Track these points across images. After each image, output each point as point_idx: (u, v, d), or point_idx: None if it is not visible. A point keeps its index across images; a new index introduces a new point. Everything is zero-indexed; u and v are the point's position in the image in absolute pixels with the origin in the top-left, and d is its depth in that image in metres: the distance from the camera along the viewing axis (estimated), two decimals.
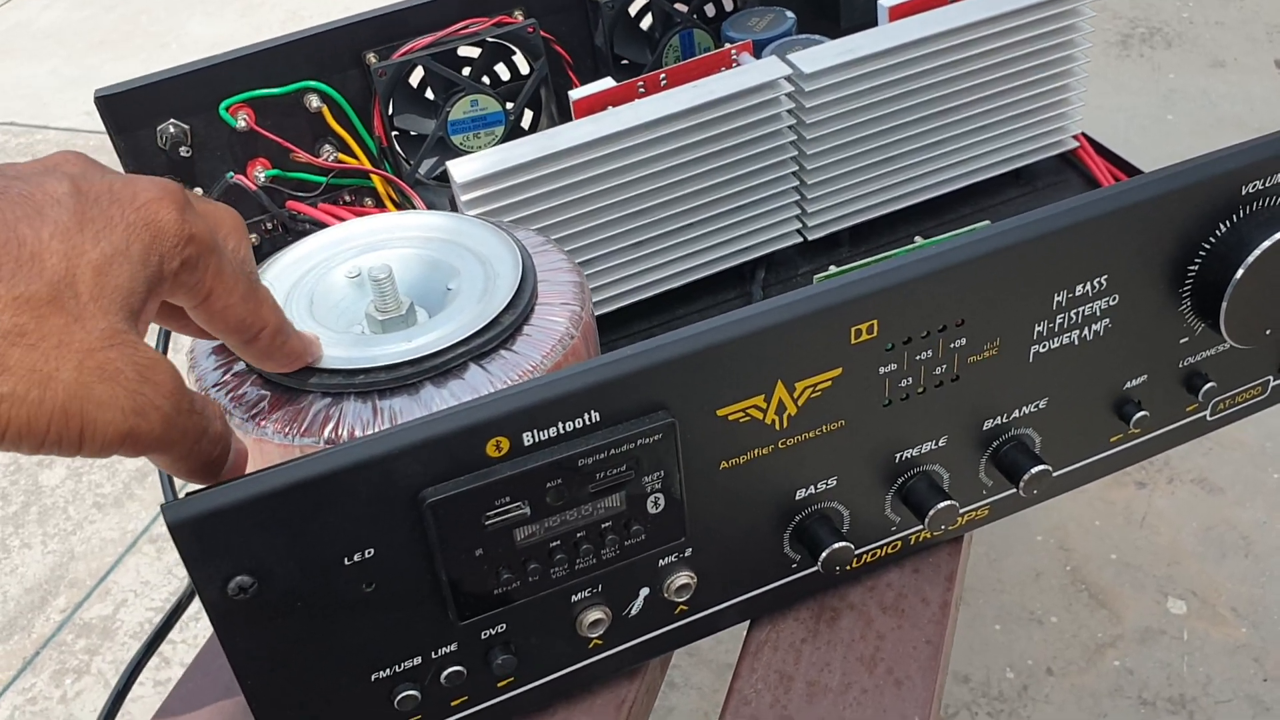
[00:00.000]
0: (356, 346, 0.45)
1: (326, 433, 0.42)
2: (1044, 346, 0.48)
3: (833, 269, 0.63)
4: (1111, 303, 0.48)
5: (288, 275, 0.49)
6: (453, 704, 0.45)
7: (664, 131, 0.58)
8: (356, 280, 0.49)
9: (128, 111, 0.61)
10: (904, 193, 0.67)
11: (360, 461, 0.37)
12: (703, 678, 1.22)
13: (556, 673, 0.46)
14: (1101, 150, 0.70)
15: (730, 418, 0.43)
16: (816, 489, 0.47)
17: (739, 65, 0.63)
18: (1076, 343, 0.49)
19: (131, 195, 0.34)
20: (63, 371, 0.31)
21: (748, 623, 0.52)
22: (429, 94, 0.68)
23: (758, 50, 0.67)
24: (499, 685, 0.45)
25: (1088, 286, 0.47)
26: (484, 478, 0.39)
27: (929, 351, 0.45)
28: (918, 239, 0.66)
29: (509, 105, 0.68)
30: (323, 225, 0.62)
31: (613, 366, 0.39)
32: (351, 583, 0.39)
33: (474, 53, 0.68)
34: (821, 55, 0.61)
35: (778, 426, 0.44)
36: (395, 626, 0.41)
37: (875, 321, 0.43)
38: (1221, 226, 0.48)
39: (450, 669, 0.43)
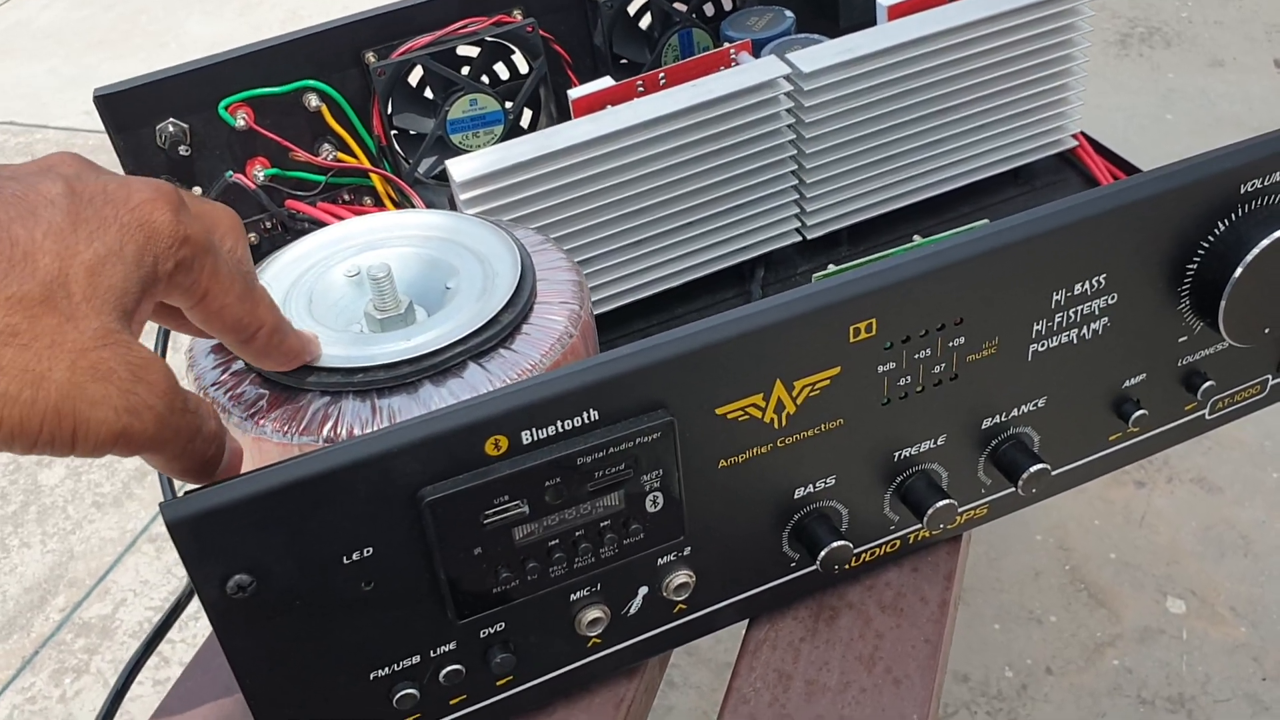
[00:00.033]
0: (355, 345, 0.45)
1: (325, 431, 0.42)
2: (1043, 345, 0.48)
3: (831, 268, 0.63)
4: (1110, 301, 0.48)
5: (286, 274, 0.49)
6: (451, 703, 0.45)
7: (663, 131, 0.58)
8: (355, 279, 0.49)
9: (127, 110, 0.61)
10: (903, 192, 0.67)
11: (359, 460, 0.37)
12: (702, 677, 1.22)
13: (555, 671, 0.46)
14: (1101, 149, 0.70)
15: (729, 416, 0.43)
16: (815, 488, 0.47)
17: (738, 64, 0.63)
18: (1075, 341, 0.49)
19: (126, 196, 0.34)
20: (55, 371, 0.31)
21: (746, 622, 0.52)
22: (428, 93, 0.68)
23: (757, 49, 0.67)
24: (498, 684, 0.45)
25: (1086, 285, 0.47)
26: (482, 476, 0.39)
27: (927, 350, 0.45)
28: (916, 238, 0.66)
29: (508, 104, 0.68)
30: (322, 224, 0.62)
31: (611, 365, 0.39)
32: (350, 581, 0.39)
33: (473, 52, 0.68)
34: (820, 54, 0.61)
35: (776, 425, 0.44)
36: (394, 625, 0.41)
37: (874, 320, 0.43)
38: (1220, 225, 0.48)
39: (449, 668, 0.43)
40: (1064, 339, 0.48)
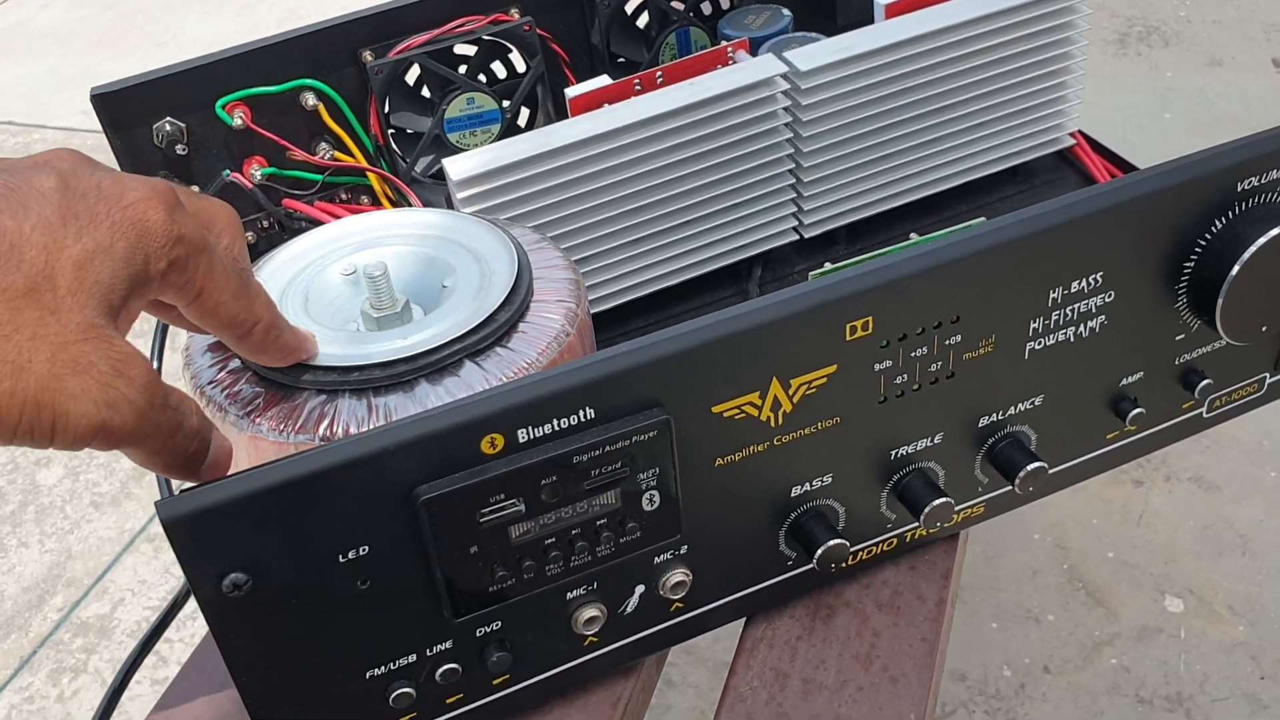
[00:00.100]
0: (351, 344, 0.45)
1: (321, 430, 0.42)
2: (1039, 343, 0.48)
3: (828, 266, 0.63)
4: (1107, 299, 0.48)
5: (283, 273, 0.49)
6: (448, 701, 0.45)
7: (660, 129, 0.58)
8: (352, 278, 0.49)
9: (124, 110, 0.61)
10: (900, 190, 0.67)
11: (355, 458, 0.37)
12: (700, 675, 1.22)
13: (552, 670, 0.46)
14: (1098, 148, 0.70)
15: (725, 415, 0.43)
16: (812, 486, 0.47)
17: (735, 63, 0.63)
18: (1072, 339, 0.49)
19: (120, 194, 0.35)
20: (36, 363, 0.32)
21: (743, 620, 0.52)
22: (425, 92, 0.68)
23: (754, 48, 0.67)
24: (494, 683, 0.45)
25: (1083, 283, 0.47)
26: (479, 475, 0.39)
27: (924, 348, 0.45)
28: (914, 236, 0.66)
29: (505, 103, 0.68)
30: (319, 223, 0.62)
31: (608, 363, 0.39)
32: (346, 580, 0.39)
33: (470, 51, 0.68)
34: (818, 53, 0.61)
35: (773, 423, 0.44)
36: (390, 624, 0.41)
37: (870, 318, 0.43)
38: (1217, 223, 0.48)
39: (445, 666, 0.43)
40: (1061, 337, 0.48)
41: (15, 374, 0.31)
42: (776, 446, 0.45)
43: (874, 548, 0.51)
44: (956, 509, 0.52)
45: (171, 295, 0.37)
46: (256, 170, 0.64)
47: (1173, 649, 1.18)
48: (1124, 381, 0.52)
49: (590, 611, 0.45)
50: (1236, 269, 0.47)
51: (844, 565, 0.51)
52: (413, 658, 0.43)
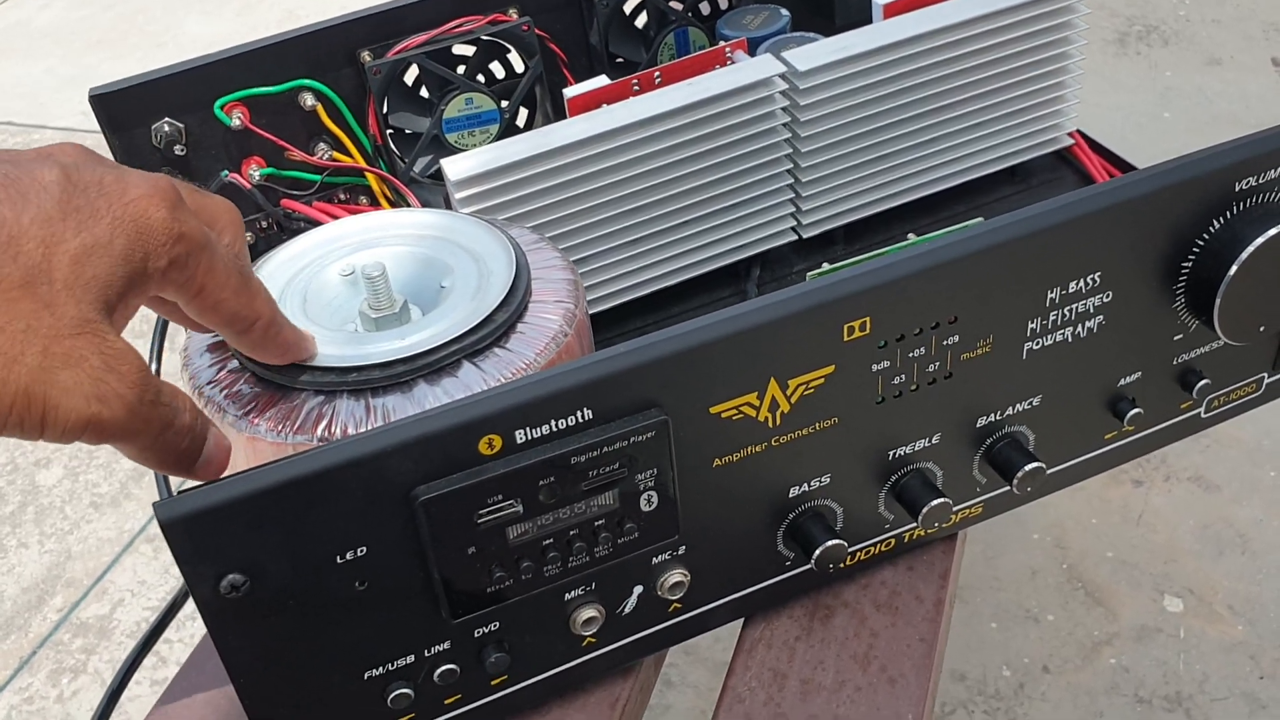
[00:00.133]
0: (350, 344, 0.45)
1: (319, 430, 0.42)
2: (1037, 343, 0.48)
3: (826, 266, 0.63)
4: (1105, 299, 0.48)
5: (281, 273, 0.49)
6: (446, 702, 0.45)
7: (659, 129, 0.58)
8: (350, 278, 0.49)
9: (122, 110, 0.61)
10: (899, 190, 0.67)
11: (353, 459, 0.37)
12: (699, 676, 1.22)
13: (550, 671, 0.46)
14: (1097, 147, 0.70)
15: (723, 415, 0.43)
16: (810, 486, 0.47)
17: (733, 63, 0.63)
18: (1070, 340, 0.49)
19: (121, 190, 0.35)
20: (27, 355, 0.32)
21: (742, 620, 0.52)
22: (424, 92, 0.68)
23: (752, 48, 0.67)
24: (492, 683, 0.45)
25: (1081, 283, 0.47)
26: (476, 475, 0.39)
27: (922, 349, 0.45)
28: (912, 236, 0.66)
29: (504, 103, 0.68)
30: (317, 223, 0.62)
31: (606, 364, 0.39)
32: (344, 581, 0.39)
33: (469, 51, 0.68)
34: (816, 53, 0.61)
35: (771, 424, 0.44)
36: (388, 625, 0.41)
37: (868, 319, 0.43)
38: (1215, 223, 0.48)
39: (443, 667, 0.43)
40: (1059, 337, 0.48)
41: (7, 365, 0.32)
42: (774, 447, 0.45)
43: (872, 548, 0.51)
44: (955, 509, 0.52)
45: (172, 292, 0.37)
46: (255, 171, 0.64)
47: (1172, 649, 1.18)
48: (1122, 382, 0.52)
49: (588, 612, 0.45)
50: (1234, 269, 0.47)
51: (842, 566, 0.51)
52: (411, 658, 0.43)
